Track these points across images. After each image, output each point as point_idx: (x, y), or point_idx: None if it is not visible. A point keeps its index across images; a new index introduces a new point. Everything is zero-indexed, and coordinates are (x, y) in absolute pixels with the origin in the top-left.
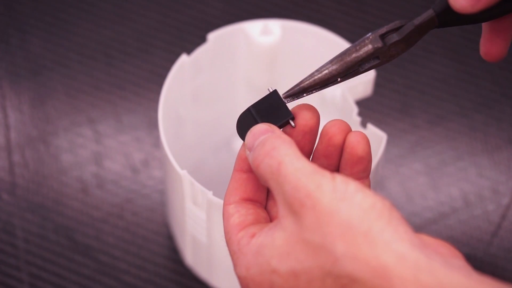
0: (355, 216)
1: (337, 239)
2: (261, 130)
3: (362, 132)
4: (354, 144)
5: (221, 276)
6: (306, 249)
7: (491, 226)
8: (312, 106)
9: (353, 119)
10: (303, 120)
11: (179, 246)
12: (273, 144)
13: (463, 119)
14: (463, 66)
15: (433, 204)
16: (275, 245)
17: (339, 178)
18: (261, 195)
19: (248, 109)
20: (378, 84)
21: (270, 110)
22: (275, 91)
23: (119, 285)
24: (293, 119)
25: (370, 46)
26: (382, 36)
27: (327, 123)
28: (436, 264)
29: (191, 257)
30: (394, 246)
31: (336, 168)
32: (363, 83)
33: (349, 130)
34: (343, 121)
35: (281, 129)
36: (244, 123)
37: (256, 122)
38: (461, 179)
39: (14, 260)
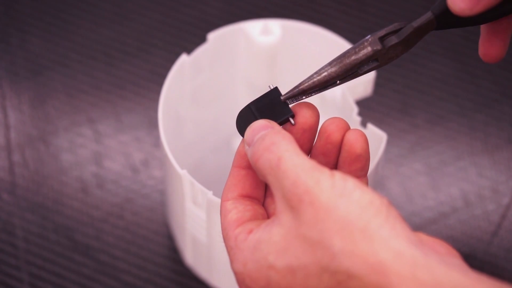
0: (353, 213)
1: (335, 235)
2: (261, 126)
3: (360, 130)
4: (352, 142)
5: (221, 276)
6: (303, 244)
7: (491, 226)
8: (312, 104)
9: (353, 118)
10: (303, 118)
11: (179, 246)
12: (272, 139)
13: (463, 119)
14: (463, 66)
15: (433, 204)
16: (272, 240)
17: (338, 175)
18: (259, 192)
19: (248, 105)
20: (378, 84)
21: (271, 107)
22: (275, 88)
23: (119, 285)
24: (293, 116)
25: (369, 49)
26: (381, 39)
27: (325, 121)
28: (433, 261)
29: (191, 257)
30: (392, 243)
31: (334, 166)
32: (363, 83)
33: (347, 128)
34: (342, 119)
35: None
36: (244, 119)
37: (256, 119)
38: (461, 179)
39: (14, 260)
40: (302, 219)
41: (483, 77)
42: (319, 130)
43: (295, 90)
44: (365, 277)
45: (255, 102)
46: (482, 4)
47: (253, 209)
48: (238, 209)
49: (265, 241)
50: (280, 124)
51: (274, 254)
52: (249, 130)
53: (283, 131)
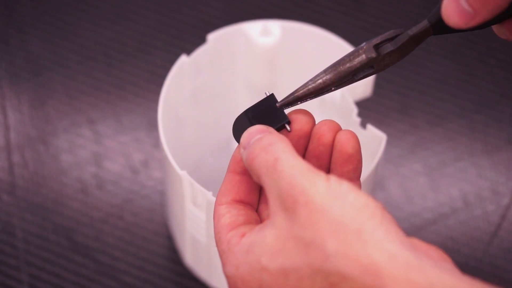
0: (348, 215)
1: (329, 236)
2: (258, 130)
3: (351, 131)
4: (343, 141)
5: (220, 276)
6: (297, 246)
7: (491, 227)
8: (307, 111)
9: (353, 119)
10: (299, 125)
11: (178, 246)
12: (270, 140)
13: (463, 119)
14: (463, 66)
15: (433, 205)
16: (265, 242)
17: (333, 178)
18: (253, 198)
19: (244, 112)
20: (378, 84)
21: (267, 113)
22: (272, 95)
23: (119, 286)
24: (289, 123)
25: (364, 56)
26: (377, 46)
27: (317, 123)
28: (427, 265)
29: (191, 258)
30: (386, 246)
31: (327, 169)
32: (363, 83)
33: (339, 129)
34: (333, 120)
35: None
36: (240, 126)
37: (252, 125)
38: (460, 180)
39: (13, 261)
40: (296, 220)
41: (483, 78)
42: (311, 133)
43: (290, 97)
44: (358, 278)
45: (251, 109)
46: (477, 19)
47: (246, 214)
48: (232, 214)
49: (258, 243)
50: (277, 130)
51: (267, 256)
52: (245, 134)
53: (280, 134)
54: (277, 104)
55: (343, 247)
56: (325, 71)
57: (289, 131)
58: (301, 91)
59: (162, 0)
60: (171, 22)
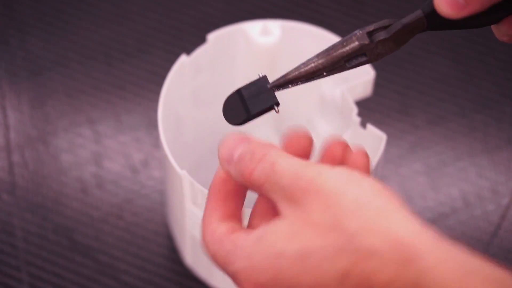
0: (365, 197)
1: (349, 216)
2: (237, 141)
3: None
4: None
5: (221, 276)
6: (315, 230)
7: (490, 227)
8: (306, 132)
9: (353, 119)
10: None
11: (178, 246)
12: (263, 151)
13: (462, 119)
14: (463, 66)
15: (433, 205)
16: (279, 230)
17: (340, 167)
18: (240, 213)
19: (236, 91)
20: (377, 84)
21: (257, 94)
22: (264, 77)
23: (119, 285)
24: (278, 105)
25: (356, 43)
26: (370, 34)
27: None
28: (454, 243)
29: (191, 257)
30: (409, 224)
31: None
32: (363, 83)
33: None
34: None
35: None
36: (231, 106)
37: (243, 106)
38: (460, 180)
39: (13, 260)
40: (310, 208)
41: (483, 77)
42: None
43: (281, 79)
44: (386, 252)
45: (243, 88)
46: (468, 10)
47: (241, 225)
48: (228, 224)
49: (271, 231)
50: (265, 111)
51: (284, 241)
52: (224, 149)
53: (266, 142)
54: (268, 86)
55: (366, 224)
56: (317, 56)
57: (277, 112)
58: (293, 74)
59: (162, 0)
60: (171, 22)
